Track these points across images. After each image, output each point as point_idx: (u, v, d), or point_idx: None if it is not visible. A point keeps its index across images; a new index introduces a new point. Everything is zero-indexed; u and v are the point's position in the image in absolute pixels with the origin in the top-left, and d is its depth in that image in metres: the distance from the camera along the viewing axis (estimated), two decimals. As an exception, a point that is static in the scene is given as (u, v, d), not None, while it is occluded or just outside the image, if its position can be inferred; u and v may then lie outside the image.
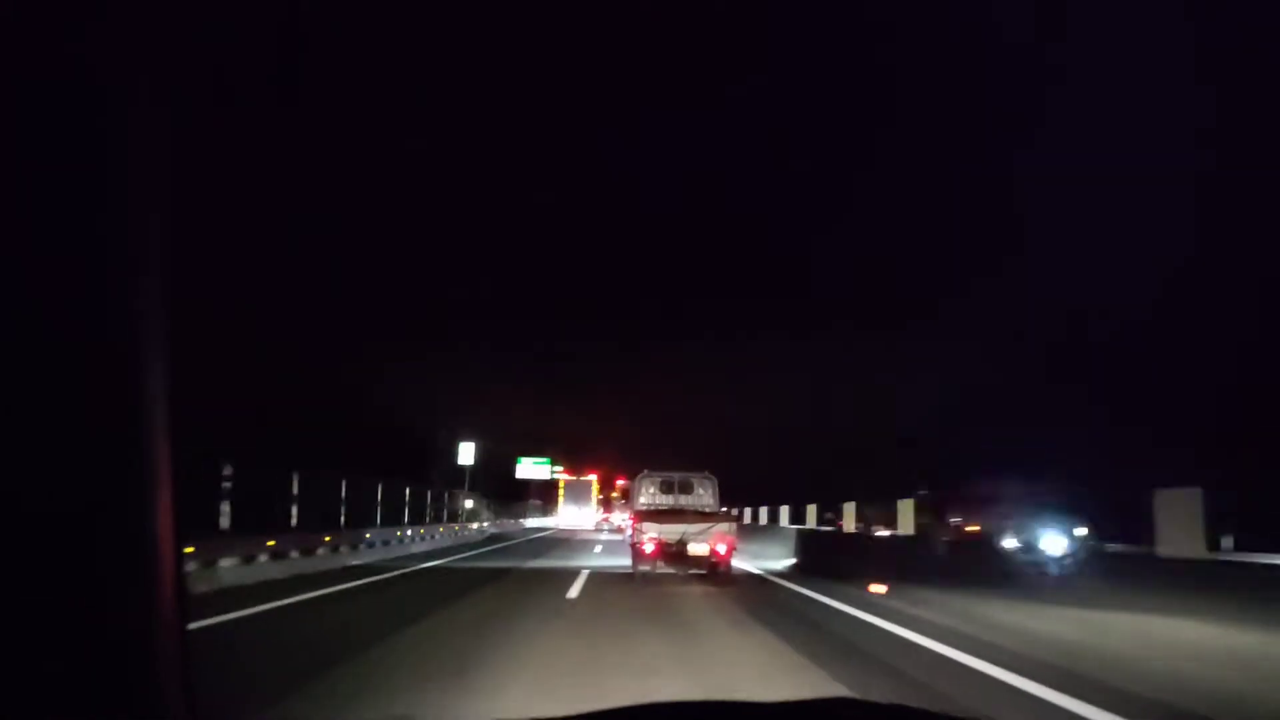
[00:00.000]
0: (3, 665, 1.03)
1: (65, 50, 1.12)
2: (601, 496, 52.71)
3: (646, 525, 15.91)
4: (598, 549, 26.70)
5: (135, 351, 1.18)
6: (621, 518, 42.38)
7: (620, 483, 49.60)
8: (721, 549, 15.77)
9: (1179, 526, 12.14)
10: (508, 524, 45.63)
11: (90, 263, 1.16)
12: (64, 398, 1.11)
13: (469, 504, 39.54)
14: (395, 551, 21.12)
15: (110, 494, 1.15)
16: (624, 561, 17.70)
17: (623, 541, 31.75)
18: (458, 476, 40.67)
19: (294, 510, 18.43)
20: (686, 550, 15.68)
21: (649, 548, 15.73)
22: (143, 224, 1.22)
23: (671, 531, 15.73)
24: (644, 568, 16.13)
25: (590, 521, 47.96)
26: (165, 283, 1.23)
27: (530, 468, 59.18)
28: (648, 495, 17.88)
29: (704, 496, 17.80)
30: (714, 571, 15.93)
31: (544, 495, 62.80)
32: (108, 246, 1.18)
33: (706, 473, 18.06)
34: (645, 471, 18.20)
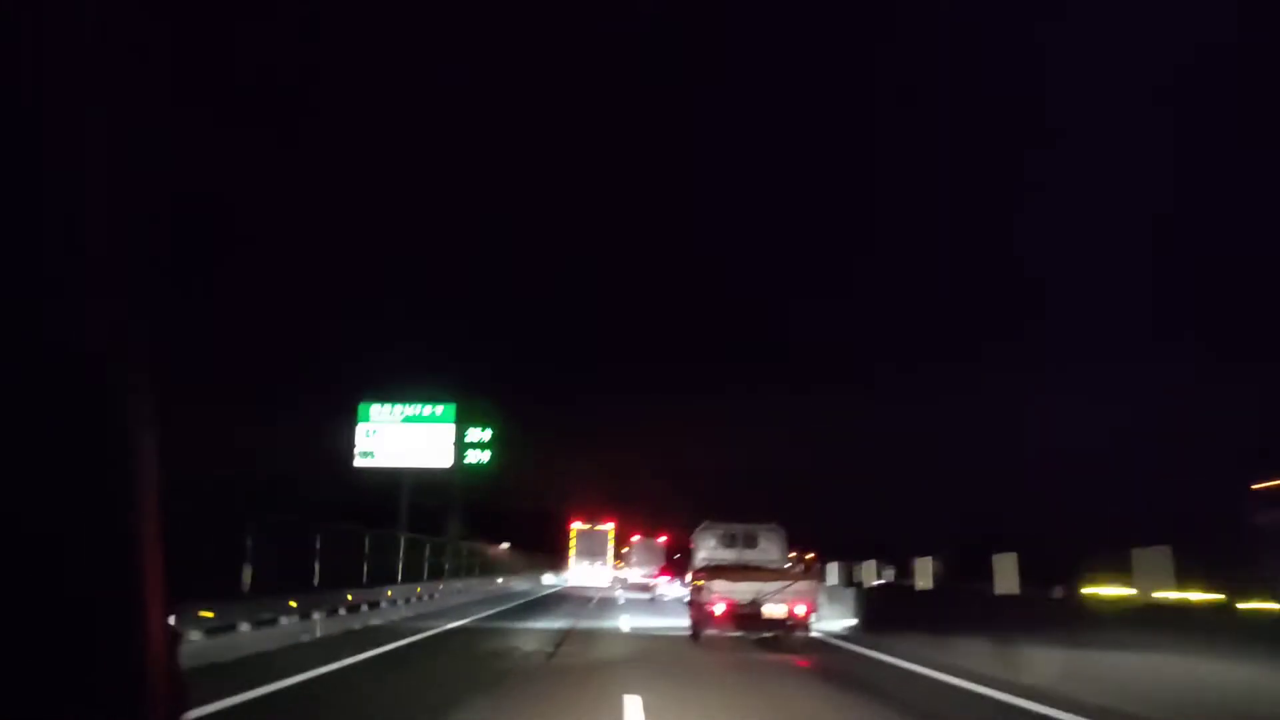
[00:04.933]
0: None
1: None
2: (616, 550, 49.59)
3: (715, 584, 14.16)
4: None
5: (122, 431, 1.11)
6: (640, 573, 40.20)
7: (635, 538, 47.10)
8: (801, 611, 14.02)
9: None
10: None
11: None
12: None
13: None
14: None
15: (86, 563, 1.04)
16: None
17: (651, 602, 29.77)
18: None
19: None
20: (761, 612, 13.92)
21: (718, 609, 13.97)
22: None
23: (744, 591, 13.99)
24: (710, 631, 14.37)
25: (606, 579, 44.71)
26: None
27: (397, 437, 28.25)
28: (707, 549, 16.12)
29: (770, 551, 16.07)
30: (787, 635, 14.17)
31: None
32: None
33: (773, 524, 16.34)
34: (705, 523, 16.47)
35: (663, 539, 46.49)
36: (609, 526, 47.14)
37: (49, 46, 1.12)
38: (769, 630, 14.14)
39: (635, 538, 48.75)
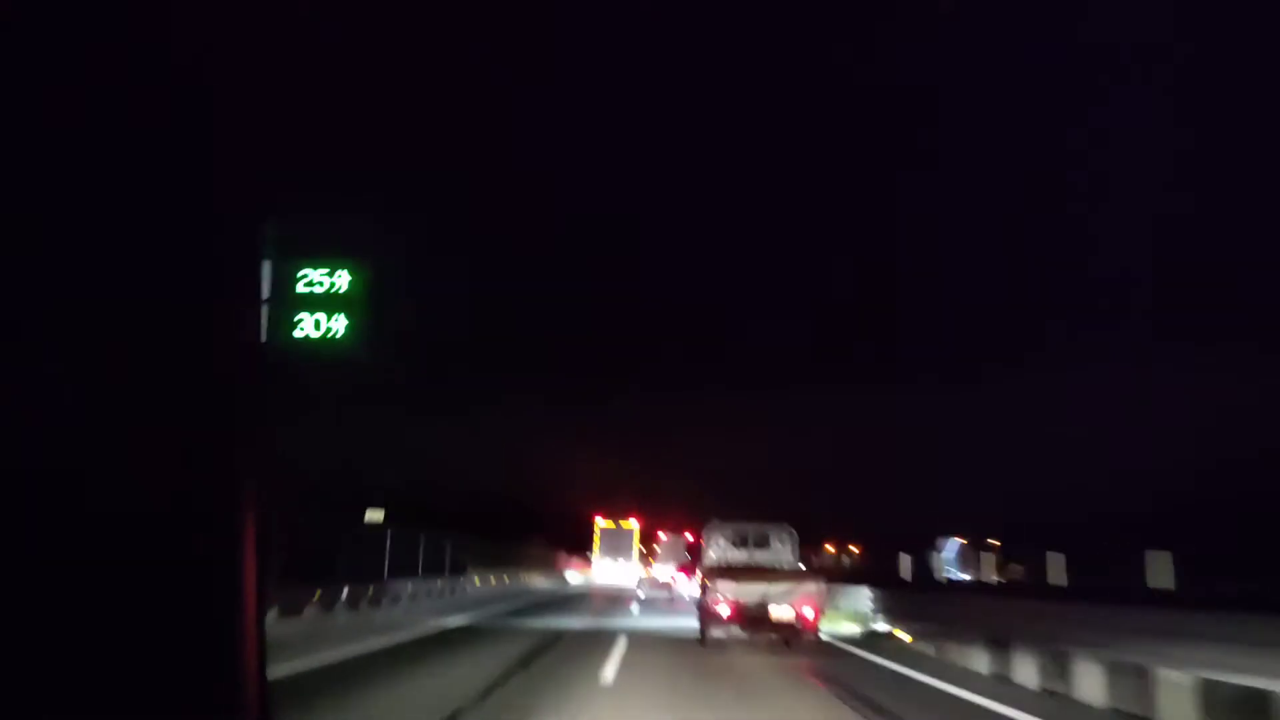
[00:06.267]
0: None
1: None
2: (642, 549, 48.88)
3: (722, 584, 13.85)
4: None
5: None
6: (667, 572, 39.90)
7: (662, 536, 46.57)
8: (808, 613, 13.67)
9: None
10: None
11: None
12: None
13: None
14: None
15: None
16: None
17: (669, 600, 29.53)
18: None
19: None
20: (768, 614, 13.59)
21: (725, 610, 13.66)
22: None
23: (751, 592, 13.66)
24: (717, 633, 14.06)
25: (632, 578, 43.93)
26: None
27: None
28: (717, 549, 15.81)
29: (782, 552, 15.73)
30: (795, 639, 13.83)
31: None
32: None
33: (785, 524, 15.99)
34: (714, 521, 16.16)
35: (689, 537, 46.03)
36: (634, 524, 46.54)
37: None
38: (776, 633, 13.82)
39: (662, 536, 48.26)
